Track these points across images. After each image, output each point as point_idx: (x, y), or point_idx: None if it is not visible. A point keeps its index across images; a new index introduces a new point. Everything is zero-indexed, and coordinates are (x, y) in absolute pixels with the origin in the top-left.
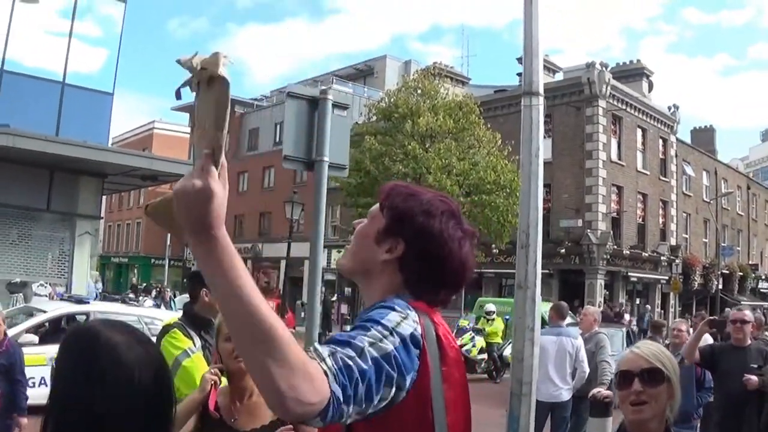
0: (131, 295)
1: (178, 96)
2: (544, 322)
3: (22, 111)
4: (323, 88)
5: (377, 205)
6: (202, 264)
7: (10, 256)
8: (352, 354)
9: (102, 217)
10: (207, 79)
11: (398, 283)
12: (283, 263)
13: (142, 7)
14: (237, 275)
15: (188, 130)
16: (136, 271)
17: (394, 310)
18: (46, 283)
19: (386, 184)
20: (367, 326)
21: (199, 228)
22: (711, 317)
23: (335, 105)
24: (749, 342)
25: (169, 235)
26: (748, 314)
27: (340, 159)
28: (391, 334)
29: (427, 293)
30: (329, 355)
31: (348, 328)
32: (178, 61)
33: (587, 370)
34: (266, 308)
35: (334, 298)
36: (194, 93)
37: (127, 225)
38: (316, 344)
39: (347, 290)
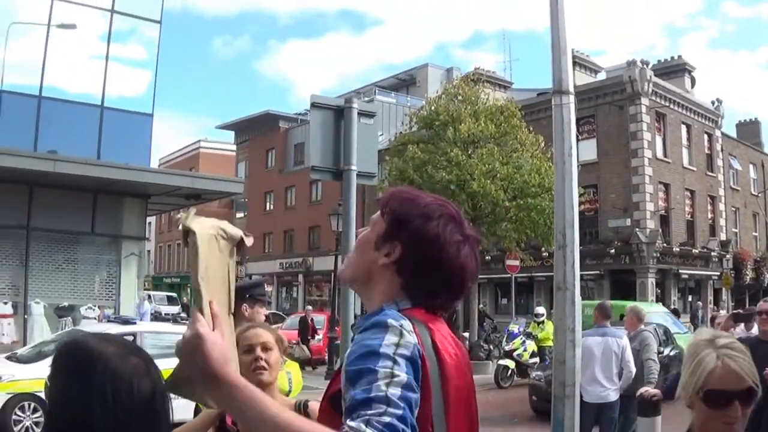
0: (182, 315)
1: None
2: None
3: (64, 136)
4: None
5: (378, 213)
6: (226, 406)
7: (57, 280)
8: (383, 408)
9: (147, 238)
10: (185, 237)
11: (397, 287)
12: (332, 276)
13: (187, 28)
14: (257, 409)
15: (233, 148)
16: (188, 290)
17: (387, 327)
18: (94, 305)
19: (387, 191)
20: (370, 367)
21: (208, 376)
22: (735, 311)
23: (361, 113)
24: None
25: None
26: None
27: (369, 167)
28: (396, 362)
29: (426, 297)
30: (366, 425)
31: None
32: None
33: (634, 369)
34: (298, 422)
35: None
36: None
37: (178, 245)
38: (348, 422)
39: None
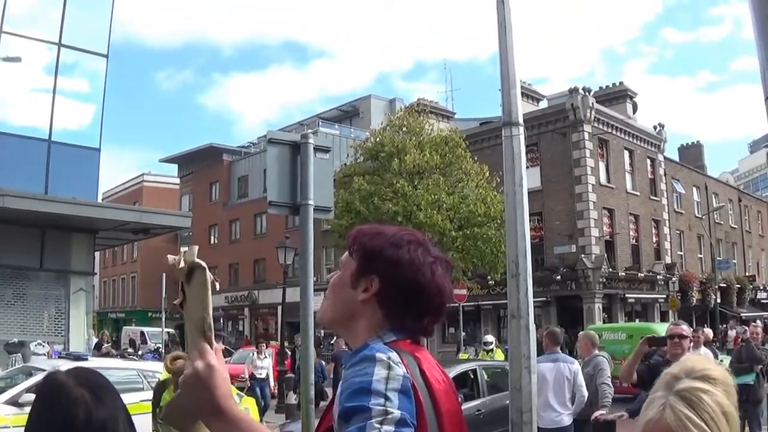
0: (129, 350)
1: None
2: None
3: (10, 170)
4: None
5: (346, 253)
6: None
7: (6, 316)
8: None
9: (96, 273)
10: (186, 274)
11: (379, 319)
12: (279, 309)
13: (128, 61)
14: None
15: (177, 181)
16: (133, 325)
17: (375, 361)
18: (44, 341)
19: (350, 231)
20: (363, 405)
21: (213, 408)
22: (649, 335)
23: (317, 148)
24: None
25: (164, 287)
26: (685, 328)
27: (325, 202)
28: (388, 398)
29: (409, 323)
30: None
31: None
32: (171, 264)
33: (586, 393)
34: None
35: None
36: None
37: (122, 279)
38: None
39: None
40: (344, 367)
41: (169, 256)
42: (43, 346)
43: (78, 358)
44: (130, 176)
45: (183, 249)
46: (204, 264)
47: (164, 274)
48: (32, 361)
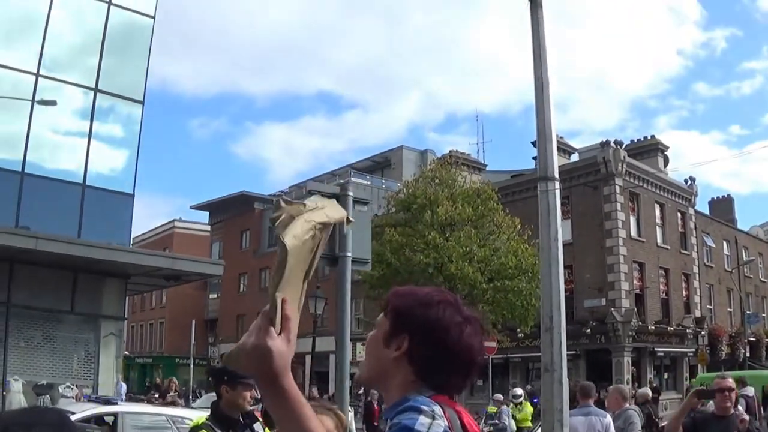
0: (156, 395)
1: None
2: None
3: (44, 213)
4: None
5: (382, 314)
6: (273, 409)
7: (35, 358)
8: None
9: (126, 318)
10: (276, 241)
11: (411, 376)
12: (308, 358)
13: (164, 108)
14: (302, 420)
15: (208, 227)
16: (160, 371)
17: (420, 411)
18: (73, 384)
19: (388, 293)
20: None
21: (265, 379)
22: (699, 387)
23: (356, 201)
24: (733, 411)
25: (193, 333)
26: (731, 381)
27: (363, 254)
28: None
29: (439, 380)
30: None
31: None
32: (271, 219)
33: None
34: None
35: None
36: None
37: (150, 325)
38: None
39: None
40: (385, 418)
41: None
42: (72, 389)
43: (107, 402)
44: (161, 222)
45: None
46: (288, 244)
47: (193, 321)
48: (60, 403)
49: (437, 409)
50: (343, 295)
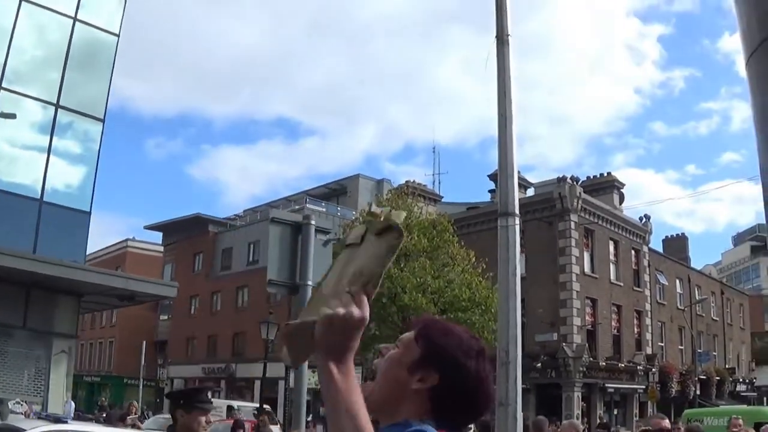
0: (104, 415)
1: (325, 244)
2: None
3: None
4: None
5: (410, 334)
6: (330, 383)
7: None
8: None
9: (77, 336)
10: (381, 230)
11: (426, 411)
12: (257, 383)
13: (121, 125)
14: (357, 397)
15: (161, 248)
16: (108, 390)
17: None
18: (23, 400)
19: (422, 316)
20: None
21: (340, 351)
22: (644, 428)
23: (318, 230)
24: None
25: (143, 354)
26: (666, 423)
27: None
28: None
29: (450, 422)
30: None
31: None
32: (371, 213)
33: None
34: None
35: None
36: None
37: (100, 344)
38: None
39: (321, 410)
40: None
41: (375, 207)
42: (22, 405)
43: (57, 420)
44: (114, 240)
45: (385, 209)
46: (403, 232)
47: (144, 342)
48: (10, 419)
49: None
50: None
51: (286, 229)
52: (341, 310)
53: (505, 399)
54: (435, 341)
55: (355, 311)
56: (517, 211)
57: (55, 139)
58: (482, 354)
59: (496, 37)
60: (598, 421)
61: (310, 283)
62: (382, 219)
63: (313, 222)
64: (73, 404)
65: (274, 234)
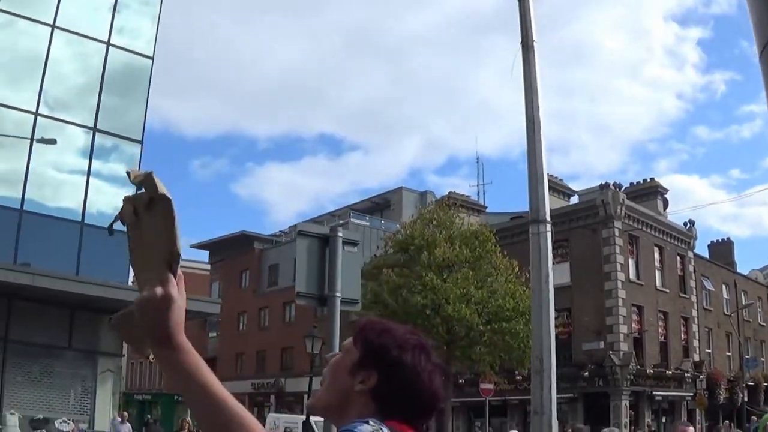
0: None
1: (111, 232)
2: None
3: (43, 250)
4: (335, 224)
5: (350, 339)
6: (167, 370)
7: (32, 392)
8: None
9: (124, 355)
10: (146, 203)
11: (371, 412)
12: (305, 398)
13: (166, 148)
14: (201, 374)
15: (207, 266)
16: (159, 408)
17: (367, 423)
18: (69, 419)
19: (360, 320)
20: None
21: (161, 336)
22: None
23: (346, 242)
24: None
25: None
26: (690, 429)
27: (352, 294)
28: None
29: (398, 420)
30: None
31: None
32: (127, 173)
33: None
34: (233, 401)
35: None
36: (129, 222)
37: (150, 363)
38: None
39: None
40: None
41: (129, 170)
42: (68, 423)
43: None
44: None
45: (134, 171)
46: (170, 195)
47: None
48: None
49: (385, 428)
50: (332, 334)
51: (313, 241)
52: (145, 293)
53: (540, 407)
54: (371, 341)
55: (158, 290)
56: (548, 218)
57: (94, 162)
58: (420, 348)
59: (521, 43)
60: (647, 429)
61: (338, 294)
62: (132, 179)
63: (340, 234)
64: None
65: (302, 247)
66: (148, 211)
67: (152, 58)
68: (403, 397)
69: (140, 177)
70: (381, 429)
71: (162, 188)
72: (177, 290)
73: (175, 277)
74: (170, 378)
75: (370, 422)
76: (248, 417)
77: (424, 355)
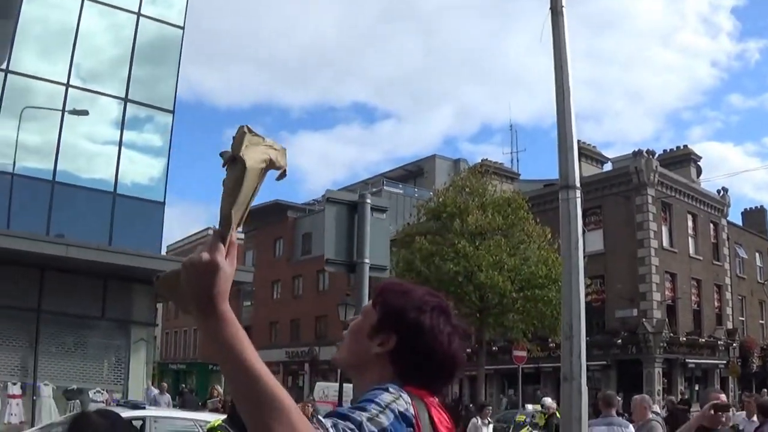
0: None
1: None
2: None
3: (76, 221)
4: (363, 191)
5: (370, 302)
6: (207, 338)
7: (66, 363)
8: (353, 427)
9: (157, 324)
10: (230, 159)
11: (389, 375)
12: None
13: (199, 118)
14: (241, 346)
15: (241, 235)
16: (193, 377)
17: (387, 391)
18: (103, 389)
19: (380, 283)
20: (362, 405)
21: (205, 301)
22: (716, 402)
23: (374, 208)
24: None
25: None
26: (723, 397)
27: (381, 260)
28: (385, 410)
29: (417, 383)
30: (332, 426)
31: None
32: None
33: None
34: (270, 377)
35: None
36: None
37: (185, 332)
38: (319, 416)
39: None
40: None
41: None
42: (102, 393)
43: (135, 406)
44: (196, 229)
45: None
46: (248, 163)
47: None
48: (90, 408)
49: (405, 395)
50: (361, 301)
51: (342, 208)
52: (192, 256)
53: (569, 374)
54: (389, 303)
55: (203, 255)
56: (578, 184)
57: (126, 132)
58: (439, 310)
59: (551, 8)
60: (679, 397)
61: (367, 261)
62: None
63: (368, 200)
64: (159, 392)
65: (330, 214)
66: (229, 167)
67: (183, 28)
68: (421, 360)
69: (239, 132)
70: (401, 396)
71: (245, 149)
72: (224, 257)
73: (225, 243)
74: (209, 346)
75: (390, 389)
76: (283, 395)
77: (443, 317)
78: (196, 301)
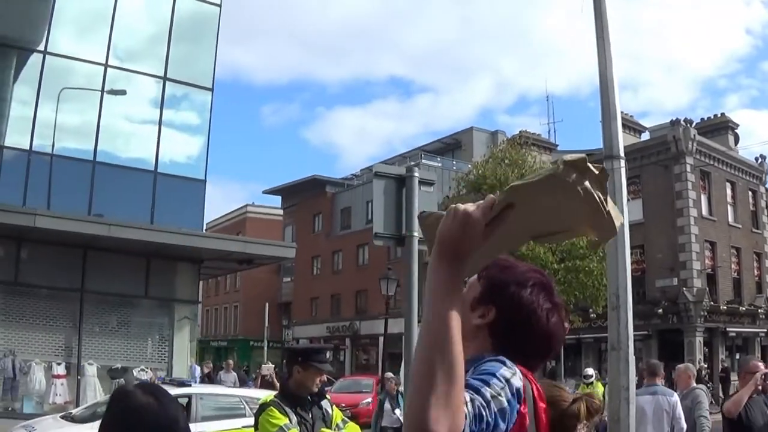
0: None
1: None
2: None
3: (117, 200)
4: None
5: (475, 276)
6: (433, 279)
7: (110, 342)
8: (484, 404)
9: (200, 302)
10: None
11: (488, 347)
12: (381, 340)
13: (237, 96)
14: (454, 303)
15: (280, 212)
16: (235, 354)
17: (504, 365)
18: (147, 368)
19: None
20: (485, 378)
21: (448, 248)
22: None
23: (422, 182)
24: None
25: (267, 316)
26: (762, 365)
27: None
28: (506, 387)
29: (514, 358)
30: (470, 401)
31: None
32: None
33: (685, 426)
34: (460, 344)
35: None
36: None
37: (225, 309)
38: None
39: None
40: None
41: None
42: (146, 372)
43: (181, 384)
44: (234, 207)
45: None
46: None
47: (267, 304)
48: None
49: (518, 371)
50: (411, 274)
51: (390, 182)
52: (461, 205)
53: (617, 343)
54: (492, 276)
55: (470, 207)
56: (622, 154)
57: (165, 111)
58: (540, 286)
59: None
60: (721, 366)
61: (415, 234)
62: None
63: (416, 174)
64: (198, 368)
65: (378, 187)
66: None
67: (219, 5)
68: (519, 334)
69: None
70: (517, 372)
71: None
72: (485, 222)
73: (493, 213)
74: (427, 290)
75: (507, 363)
76: (460, 368)
77: (544, 293)
78: (441, 245)
